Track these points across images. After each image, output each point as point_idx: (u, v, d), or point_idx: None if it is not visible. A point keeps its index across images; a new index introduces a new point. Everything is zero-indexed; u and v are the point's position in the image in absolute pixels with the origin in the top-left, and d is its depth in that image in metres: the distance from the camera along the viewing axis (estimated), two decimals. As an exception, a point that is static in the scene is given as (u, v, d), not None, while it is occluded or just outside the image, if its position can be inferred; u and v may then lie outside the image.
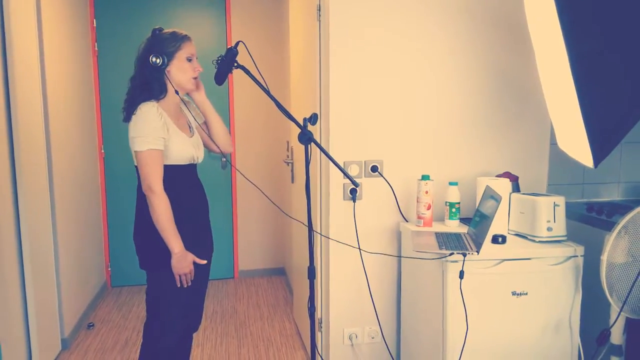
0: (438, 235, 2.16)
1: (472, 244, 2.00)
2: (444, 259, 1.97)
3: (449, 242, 2.03)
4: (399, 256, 2.54)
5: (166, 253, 1.90)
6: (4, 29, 2.36)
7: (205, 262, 1.99)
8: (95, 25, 3.89)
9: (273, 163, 4.34)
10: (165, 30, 1.97)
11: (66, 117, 3.22)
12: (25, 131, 2.53)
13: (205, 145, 2.14)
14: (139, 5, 3.96)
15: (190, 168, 2.04)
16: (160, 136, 1.87)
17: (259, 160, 4.32)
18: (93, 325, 3.38)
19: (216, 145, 2.15)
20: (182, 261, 1.90)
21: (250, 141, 4.28)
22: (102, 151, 4.00)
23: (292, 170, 3.36)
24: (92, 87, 3.91)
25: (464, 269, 1.92)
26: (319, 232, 2.58)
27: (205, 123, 2.13)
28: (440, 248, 1.95)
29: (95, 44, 3.91)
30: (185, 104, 2.13)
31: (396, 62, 2.46)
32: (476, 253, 1.88)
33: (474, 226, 2.14)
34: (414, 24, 2.46)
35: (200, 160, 2.07)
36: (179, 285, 1.94)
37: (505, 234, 2.18)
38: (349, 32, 2.40)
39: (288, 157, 3.57)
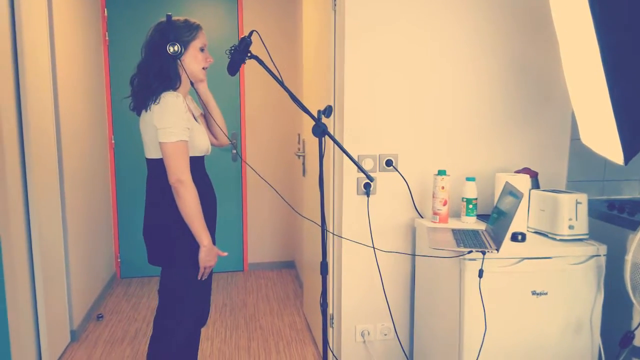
0: (455, 232, 2.11)
1: (491, 241, 1.94)
2: (462, 257, 1.91)
3: (467, 240, 1.97)
4: (415, 254, 2.49)
5: (187, 247, 1.88)
6: (15, 18, 2.32)
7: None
8: (106, 14, 3.85)
9: (284, 155, 4.29)
10: (177, 18, 1.92)
11: (77, 107, 3.19)
12: (36, 121, 2.50)
13: None
14: (150, -6, 3.91)
15: (202, 160, 2.00)
16: (187, 127, 1.83)
17: (270, 152, 4.27)
18: (102, 316, 3.36)
19: (215, 137, 2.14)
20: (210, 254, 1.89)
21: (261, 133, 4.24)
22: (113, 141, 3.97)
23: (303, 164, 3.31)
24: (103, 77, 3.88)
25: (483, 268, 1.86)
26: (332, 228, 2.53)
27: (204, 115, 2.10)
28: (458, 245, 1.89)
29: (106, 33, 3.87)
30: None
31: (412, 53, 2.40)
32: (496, 251, 1.83)
33: (491, 223, 2.08)
34: (430, 14, 2.39)
35: (210, 152, 2.03)
36: (200, 279, 1.93)
37: (524, 231, 2.12)
38: (364, 23, 2.34)
39: (299, 149, 3.52)
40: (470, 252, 1.87)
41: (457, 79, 2.45)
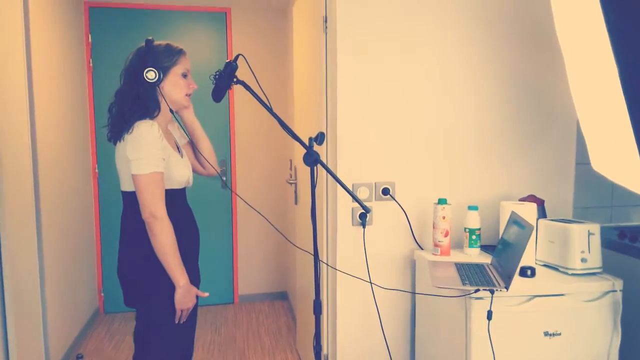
0: (459, 266, 1.95)
1: (499, 277, 1.78)
2: (468, 295, 1.76)
3: (473, 276, 1.81)
4: (416, 292, 2.33)
5: (164, 287, 1.70)
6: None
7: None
8: (90, 40, 3.73)
9: (275, 182, 4.14)
10: (158, 42, 1.79)
11: (57, 136, 3.04)
12: (10, 149, 2.35)
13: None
14: (136, 20, 3.80)
15: (183, 193, 1.85)
16: (162, 157, 1.69)
17: (261, 179, 4.12)
18: (82, 357, 3.15)
19: (202, 167, 2.01)
20: (187, 295, 1.72)
21: (251, 159, 4.09)
22: (96, 170, 3.81)
23: (295, 191, 3.16)
24: (87, 105, 3.74)
25: (492, 308, 1.70)
26: (326, 261, 2.37)
27: (192, 143, 1.96)
28: (464, 283, 1.73)
29: (90, 59, 3.74)
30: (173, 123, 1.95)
31: (409, 75, 2.28)
32: (505, 290, 1.67)
33: (497, 255, 1.93)
34: (427, 35, 2.28)
35: (191, 184, 1.88)
36: (178, 322, 1.75)
37: (533, 264, 1.97)
38: (357, 44, 2.22)
39: (291, 176, 3.37)
40: (477, 290, 1.71)
41: (457, 101, 2.33)
